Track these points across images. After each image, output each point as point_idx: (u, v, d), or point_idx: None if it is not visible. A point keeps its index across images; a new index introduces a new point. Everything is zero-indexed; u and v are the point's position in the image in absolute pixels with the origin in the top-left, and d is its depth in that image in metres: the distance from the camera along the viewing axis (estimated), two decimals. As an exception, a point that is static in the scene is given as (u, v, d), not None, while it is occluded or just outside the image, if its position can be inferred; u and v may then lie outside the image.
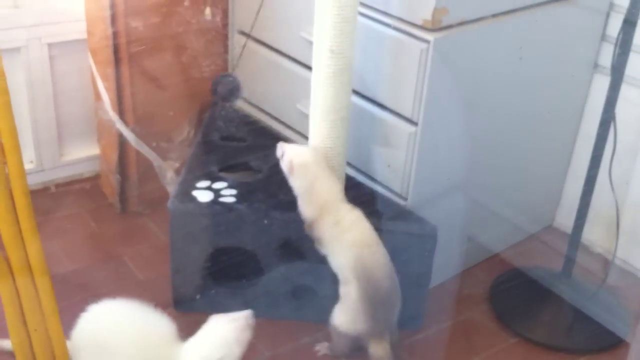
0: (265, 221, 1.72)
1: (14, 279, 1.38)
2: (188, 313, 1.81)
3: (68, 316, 1.66)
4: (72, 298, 1.82)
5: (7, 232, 1.35)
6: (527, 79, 1.88)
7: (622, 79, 1.70)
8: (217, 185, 1.82)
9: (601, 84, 1.99)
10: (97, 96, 2.12)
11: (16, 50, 2.06)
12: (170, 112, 2.17)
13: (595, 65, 2.04)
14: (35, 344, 1.46)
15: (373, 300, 1.59)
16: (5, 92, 1.26)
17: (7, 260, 1.37)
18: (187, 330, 1.76)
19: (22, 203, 1.34)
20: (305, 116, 1.80)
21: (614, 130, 1.75)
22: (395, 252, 1.73)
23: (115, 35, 1.99)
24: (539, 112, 1.98)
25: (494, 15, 1.74)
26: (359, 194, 1.82)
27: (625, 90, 1.74)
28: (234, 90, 1.77)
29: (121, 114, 2.08)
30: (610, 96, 1.71)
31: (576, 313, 1.88)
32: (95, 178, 2.33)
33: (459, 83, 1.73)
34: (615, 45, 1.67)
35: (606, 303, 1.92)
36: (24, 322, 1.43)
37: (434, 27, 1.63)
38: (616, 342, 1.82)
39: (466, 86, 1.75)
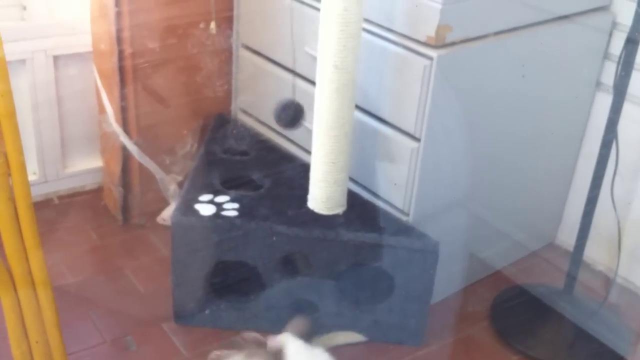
0: (274, 238, 1.72)
1: (16, 291, 1.38)
2: (188, 327, 1.81)
3: (70, 329, 1.66)
4: (74, 310, 1.83)
5: (10, 243, 1.35)
6: (530, 96, 1.89)
7: (625, 98, 1.70)
8: (220, 198, 1.82)
9: (603, 103, 2.00)
10: (101, 109, 2.13)
11: (21, 62, 2.07)
12: (173, 125, 2.18)
13: (598, 84, 2.05)
14: (36, 356, 1.46)
15: None
16: (13, 112, 1.27)
17: (9, 272, 1.37)
18: (186, 343, 1.77)
19: (25, 215, 1.34)
20: (309, 131, 1.81)
21: (616, 149, 1.76)
22: (396, 267, 1.74)
23: (120, 49, 2.00)
24: (541, 130, 1.99)
25: (496, 33, 1.75)
26: (361, 209, 1.82)
27: (627, 109, 1.75)
28: (297, 116, 1.78)
29: (125, 126, 2.09)
30: (613, 115, 1.71)
31: (577, 331, 1.88)
32: (98, 190, 2.34)
33: (462, 100, 1.74)
34: (618, 63, 1.68)
35: (607, 321, 1.92)
36: (26, 334, 1.43)
37: (438, 43, 1.64)
38: (617, 361, 1.82)
39: (469, 103, 1.76)
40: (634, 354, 1.83)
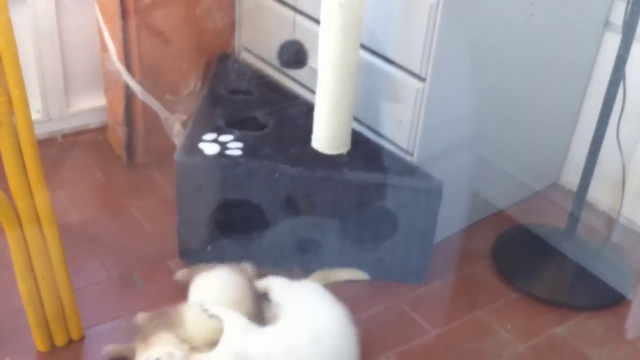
0: (277, 175, 1.73)
1: (21, 228, 1.40)
2: (193, 264, 1.83)
3: (76, 265, 1.68)
4: (80, 248, 1.85)
5: (15, 182, 1.36)
6: (537, 36, 1.86)
7: (634, 37, 1.68)
8: (224, 138, 1.82)
9: (612, 42, 1.97)
10: (104, 47, 2.11)
11: (22, 1, 2.04)
12: (177, 64, 2.16)
13: (607, 23, 2.02)
14: (43, 291, 1.49)
15: None
16: (13, 43, 1.26)
17: (15, 209, 1.38)
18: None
19: (29, 153, 1.35)
20: (313, 71, 1.79)
21: (623, 89, 1.74)
22: (400, 207, 1.74)
23: (122, -15, 1.97)
24: (548, 70, 1.97)
25: (505, -30, 1.72)
26: (365, 149, 1.82)
27: (636, 49, 1.73)
28: (300, 57, 1.74)
29: (128, 65, 2.07)
30: (621, 54, 1.69)
31: (579, 270, 1.90)
32: (102, 129, 2.34)
33: (468, 39, 1.72)
34: (628, 1, 1.65)
35: (609, 261, 1.93)
36: (32, 270, 1.45)
37: (444, -19, 1.61)
38: (618, 300, 1.83)
39: (475, 42, 1.74)
40: (635, 293, 1.85)
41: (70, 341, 1.59)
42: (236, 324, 1.49)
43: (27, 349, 1.55)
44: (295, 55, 1.78)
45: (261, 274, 1.70)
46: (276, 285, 1.63)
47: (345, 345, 1.51)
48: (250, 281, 1.66)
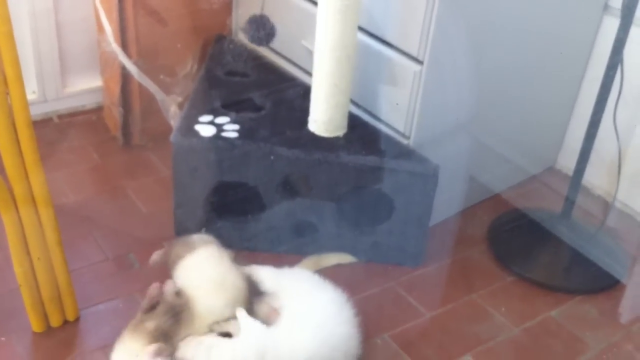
0: (272, 157, 1.73)
1: (17, 209, 1.40)
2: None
3: (71, 247, 1.68)
4: (76, 229, 1.85)
5: (11, 162, 1.35)
6: (536, 19, 1.86)
7: (632, 21, 1.67)
8: (220, 120, 1.81)
9: (610, 26, 1.96)
10: (100, 28, 2.10)
11: (18, -21, 2.03)
12: (173, 45, 2.15)
13: (606, 7, 2.01)
14: (38, 272, 1.49)
15: None
16: (7, 21, 1.25)
17: (10, 190, 1.38)
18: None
19: (25, 134, 1.34)
20: (311, 53, 1.79)
21: (621, 73, 1.74)
22: (396, 190, 1.74)
23: (118, -35, 1.96)
24: (547, 53, 1.96)
25: (504, -48, 1.71)
26: (362, 132, 1.82)
27: (634, 33, 1.72)
28: (268, 33, 1.70)
29: (124, 46, 2.06)
30: (620, 37, 1.69)
31: (574, 254, 1.90)
32: (98, 110, 2.33)
33: (467, 22, 1.71)
34: (627, -15, 1.65)
35: (604, 245, 1.94)
36: (28, 251, 1.45)
37: (443, -37, 1.60)
38: (613, 283, 1.84)
39: (473, 25, 1.73)
40: (630, 278, 1.86)
41: (66, 322, 1.59)
42: (251, 320, 1.49)
43: (23, 329, 1.55)
44: (263, 29, 1.73)
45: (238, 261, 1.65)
46: (267, 275, 1.60)
47: (348, 332, 1.52)
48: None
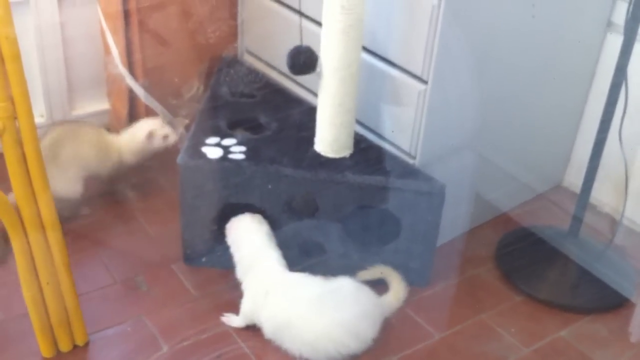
0: (269, 186, 1.73)
1: (25, 233, 1.40)
2: (197, 268, 1.83)
3: (80, 270, 1.68)
4: (84, 252, 1.85)
5: (19, 186, 1.36)
6: (540, 37, 1.86)
7: (636, 38, 1.68)
8: (227, 141, 1.82)
9: (614, 43, 1.97)
10: (107, 50, 2.11)
11: (25, 2, 2.05)
12: (180, 68, 2.17)
13: (609, 24, 2.01)
14: (47, 297, 1.49)
15: None
16: (15, 45, 1.27)
17: (19, 214, 1.38)
18: (195, 283, 1.79)
19: (33, 157, 1.35)
20: (316, 73, 1.79)
21: (625, 90, 1.74)
22: (403, 210, 1.74)
23: (124, -11, 1.98)
24: (551, 71, 1.97)
25: (507, -28, 1.72)
26: (368, 152, 1.82)
27: (638, 50, 1.72)
28: (309, 63, 1.71)
29: (131, 69, 2.08)
30: (623, 55, 1.69)
31: (582, 272, 1.89)
32: (105, 133, 2.34)
33: (470, 41, 1.71)
34: (630, 2, 1.65)
35: (613, 263, 1.93)
36: (36, 276, 1.45)
37: (446, -17, 1.61)
38: (621, 302, 1.83)
39: (477, 44, 1.74)
40: (639, 295, 1.84)
41: (75, 347, 1.59)
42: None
43: (32, 354, 1.55)
44: (305, 59, 1.74)
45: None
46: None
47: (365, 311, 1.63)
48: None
